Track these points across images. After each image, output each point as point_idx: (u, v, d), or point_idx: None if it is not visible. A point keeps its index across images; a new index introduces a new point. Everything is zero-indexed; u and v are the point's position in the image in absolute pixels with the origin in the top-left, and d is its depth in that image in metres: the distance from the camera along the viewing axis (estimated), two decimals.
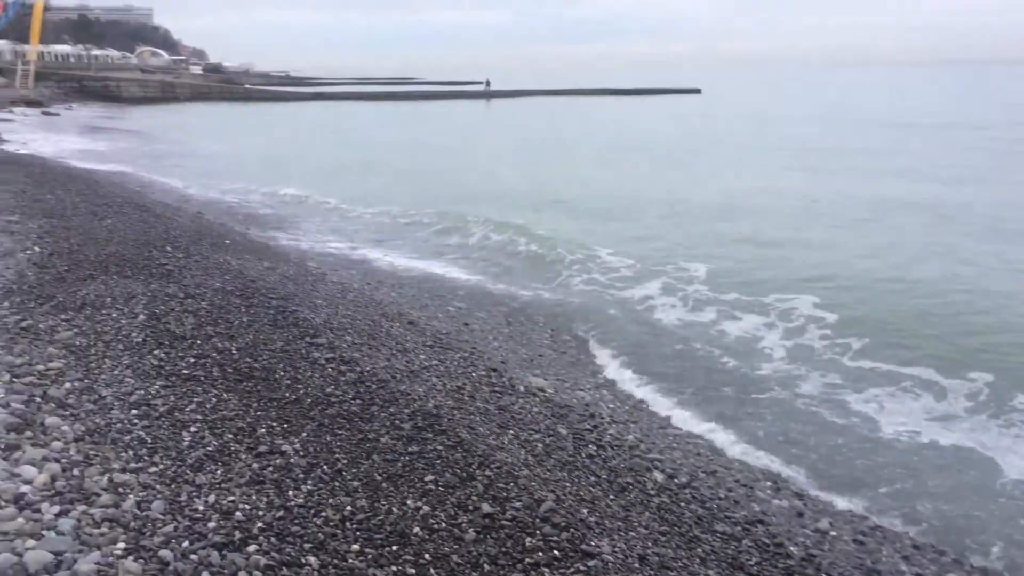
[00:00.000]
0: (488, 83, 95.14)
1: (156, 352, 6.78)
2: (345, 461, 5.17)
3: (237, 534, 4.22)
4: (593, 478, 5.92)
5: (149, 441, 5.20)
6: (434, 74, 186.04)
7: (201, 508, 4.45)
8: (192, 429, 5.44)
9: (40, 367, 6.16)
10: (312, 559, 4.11)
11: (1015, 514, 6.53)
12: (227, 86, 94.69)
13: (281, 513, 4.48)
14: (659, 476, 6.31)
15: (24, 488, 4.36)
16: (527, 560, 4.37)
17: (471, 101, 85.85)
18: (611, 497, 5.66)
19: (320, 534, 4.32)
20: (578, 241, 15.63)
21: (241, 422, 5.61)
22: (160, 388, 6.06)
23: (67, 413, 5.47)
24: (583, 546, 4.60)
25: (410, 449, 5.44)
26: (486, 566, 4.28)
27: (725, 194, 21.52)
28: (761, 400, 8.61)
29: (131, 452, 5.03)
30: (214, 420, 5.61)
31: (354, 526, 4.43)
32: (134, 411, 5.62)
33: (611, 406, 8.19)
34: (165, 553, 3.97)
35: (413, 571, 4.15)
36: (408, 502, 4.74)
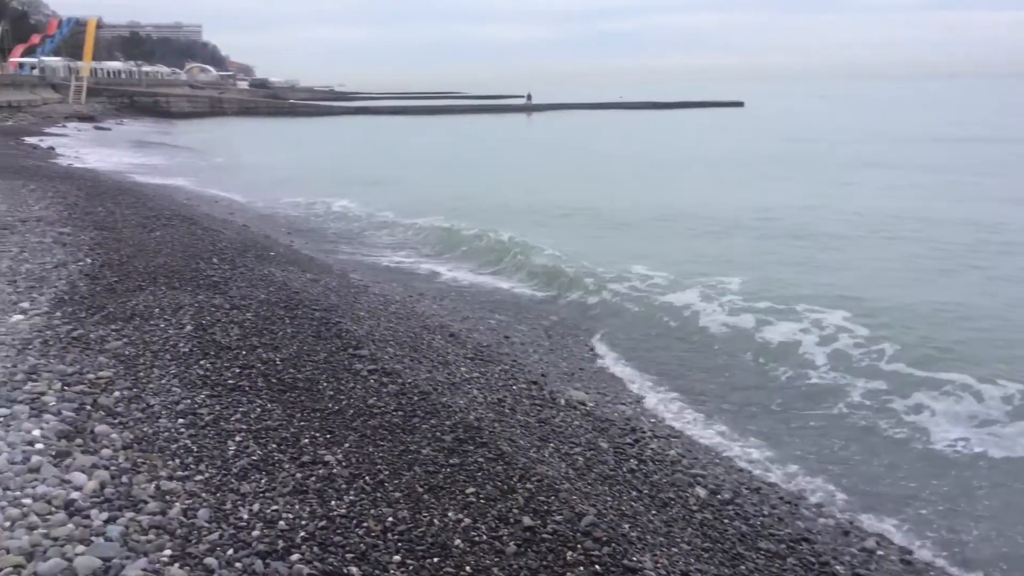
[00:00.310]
0: (529, 97, 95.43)
1: (202, 362, 6.89)
2: (387, 472, 5.19)
3: (280, 543, 4.26)
4: (634, 493, 5.87)
5: (195, 450, 5.28)
6: (475, 88, 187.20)
7: (245, 516, 4.50)
8: (237, 438, 5.51)
9: (91, 376, 6.30)
10: (354, 569, 4.13)
11: None
12: (273, 101, 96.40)
13: (324, 523, 4.51)
14: (701, 492, 6.23)
15: (74, 494, 4.46)
16: (568, 574, 4.34)
17: (513, 115, 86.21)
18: (653, 512, 5.61)
19: (362, 544, 4.34)
20: (619, 254, 15.56)
21: (285, 432, 5.68)
22: (206, 397, 6.15)
23: (116, 421, 5.58)
24: (625, 561, 4.56)
25: (451, 461, 5.45)
26: None
27: (770, 208, 21.28)
28: (805, 414, 8.48)
29: (178, 460, 5.11)
30: (258, 430, 5.68)
31: (396, 537, 4.45)
32: (181, 420, 5.72)
33: (652, 420, 8.13)
34: (210, 561, 4.03)
35: None
36: (449, 514, 4.74)
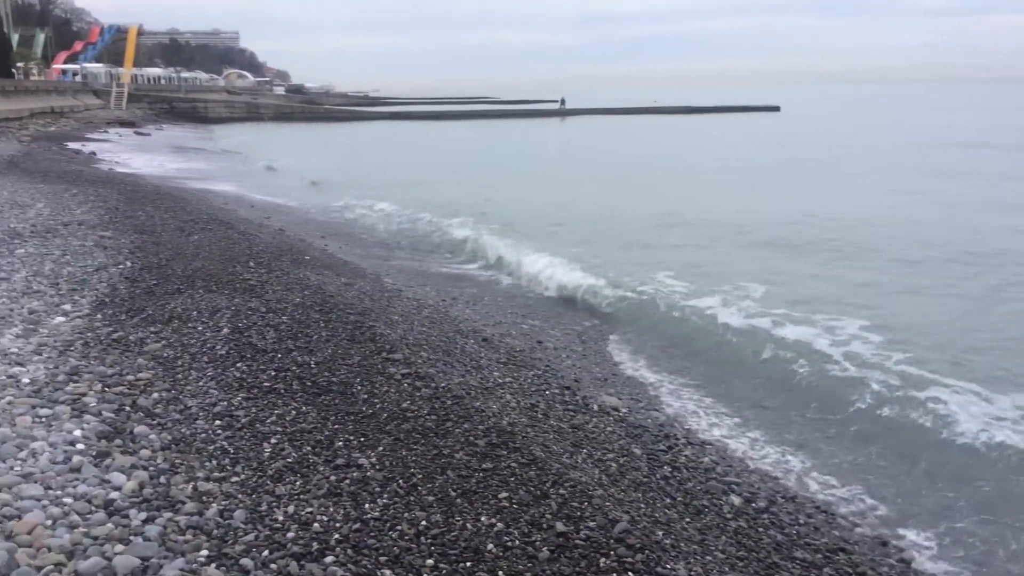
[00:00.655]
0: (563, 102, 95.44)
1: (239, 365, 6.97)
2: (420, 476, 5.21)
3: (315, 545, 4.30)
4: (668, 500, 5.83)
5: (231, 451, 5.35)
6: (509, 93, 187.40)
7: (281, 518, 4.55)
8: (272, 440, 5.57)
9: (130, 377, 6.41)
10: (387, 572, 4.15)
11: None
12: (309, 106, 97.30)
13: (358, 525, 4.54)
14: (736, 500, 6.18)
15: (114, 494, 4.53)
16: None
17: (546, 120, 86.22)
18: (687, 520, 5.57)
19: (395, 548, 4.36)
20: (652, 262, 15.50)
21: (319, 435, 5.72)
22: (242, 400, 6.22)
23: (155, 422, 5.67)
24: (658, 568, 4.53)
25: (484, 466, 5.45)
26: None
27: (813, 216, 21.03)
28: (841, 422, 8.36)
29: (214, 462, 5.17)
30: (293, 432, 5.73)
31: (429, 541, 4.46)
32: (217, 422, 5.79)
33: (686, 427, 8.07)
34: (246, 562, 4.07)
35: None
36: (482, 518, 4.75)
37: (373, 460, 5.38)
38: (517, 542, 4.54)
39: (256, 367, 6.96)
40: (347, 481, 5.07)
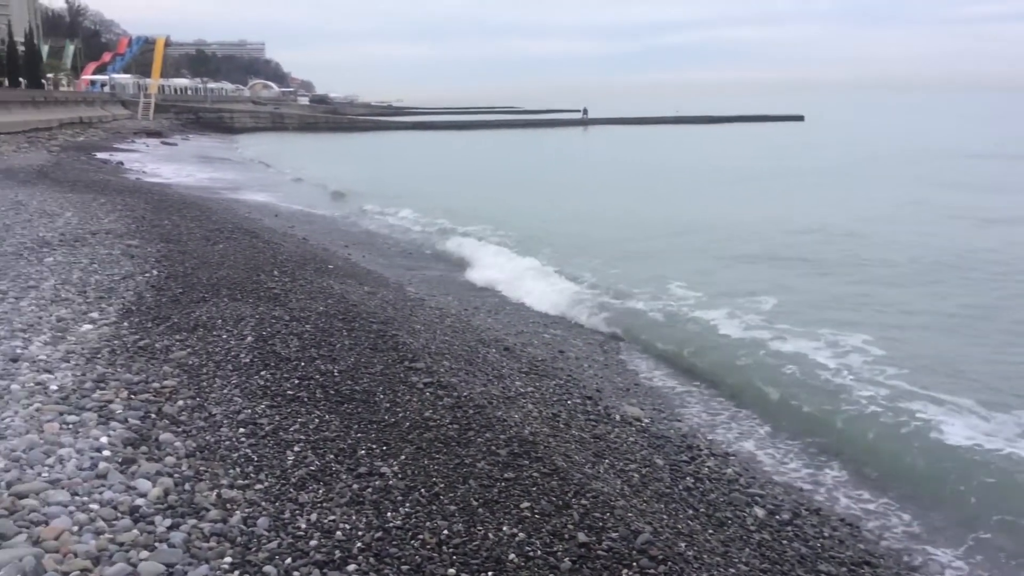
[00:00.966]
0: (585, 111, 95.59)
1: (263, 373, 7.02)
2: (442, 485, 5.22)
3: (337, 553, 4.31)
4: (691, 511, 5.80)
5: (255, 459, 5.38)
6: (531, 103, 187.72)
7: (303, 526, 4.57)
8: (296, 448, 5.60)
9: (156, 385, 6.47)
10: None
11: None
12: (333, 116, 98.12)
13: (380, 534, 4.55)
14: (760, 512, 6.13)
15: (139, 501, 4.58)
16: None
17: (568, 129, 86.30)
18: (710, 532, 5.53)
19: (417, 557, 4.36)
20: (675, 272, 15.46)
21: (342, 443, 5.75)
22: (266, 408, 6.26)
23: (180, 430, 5.72)
24: None
25: (506, 475, 5.45)
26: None
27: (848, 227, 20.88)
28: (866, 435, 8.26)
29: (238, 469, 5.21)
30: (316, 440, 5.76)
31: (450, 550, 4.46)
32: (241, 429, 5.83)
33: (709, 438, 8.02)
34: (269, 569, 4.09)
35: None
36: (504, 528, 4.74)
37: (395, 469, 5.40)
38: (539, 552, 4.52)
39: (280, 375, 7.00)
40: (369, 489, 5.08)
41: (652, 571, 4.50)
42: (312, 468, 5.33)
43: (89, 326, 7.98)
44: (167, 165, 35.49)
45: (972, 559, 6.14)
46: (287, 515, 4.68)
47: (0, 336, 7.32)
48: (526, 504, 5.06)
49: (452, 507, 4.94)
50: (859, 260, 16.73)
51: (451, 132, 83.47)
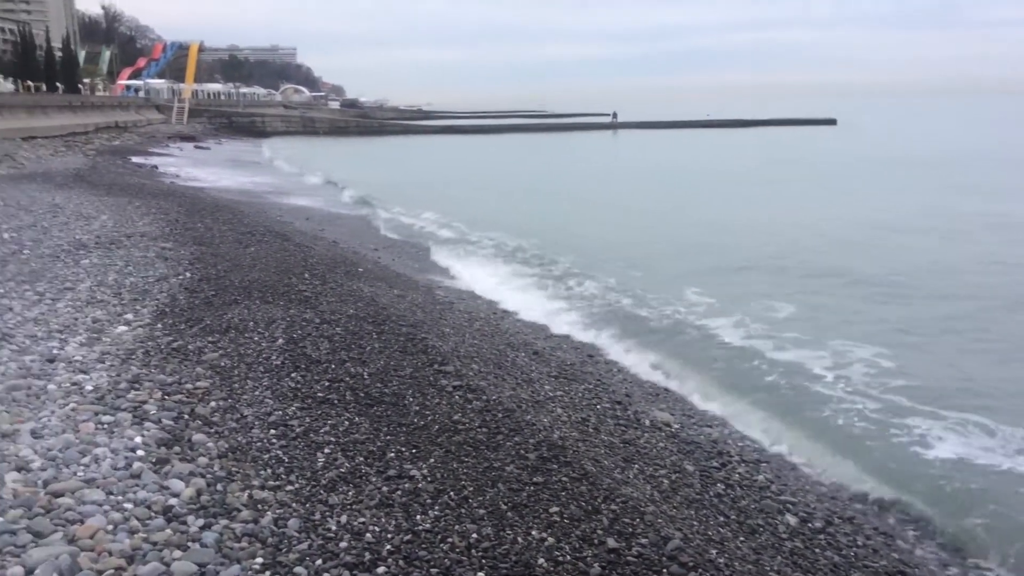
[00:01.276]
0: (615, 115, 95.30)
1: (293, 375, 7.07)
2: (471, 488, 5.22)
3: (367, 555, 4.32)
4: (722, 518, 5.75)
5: (286, 460, 5.42)
6: (561, 106, 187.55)
7: (333, 528, 4.59)
8: (326, 450, 5.63)
9: (189, 386, 6.54)
10: None
11: None
12: (362, 120, 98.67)
13: (409, 537, 4.56)
14: (792, 519, 6.06)
15: (172, 500, 4.62)
16: None
17: (598, 133, 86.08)
18: (741, 539, 5.48)
19: (446, 560, 4.36)
20: (704, 280, 15.36)
21: (372, 446, 5.77)
22: (297, 410, 6.30)
23: (212, 430, 5.77)
24: None
25: (535, 479, 5.43)
26: None
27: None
28: (900, 443, 8.14)
29: (269, 470, 5.24)
30: (346, 443, 5.79)
31: (479, 554, 4.46)
32: (272, 431, 5.88)
33: (740, 444, 7.94)
34: (300, 570, 4.12)
35: None
36: (533, 533, 4.73)
37: (424, 472, 5.41)
38: (568, 557, 4.51)
39: (310, 377, 7.05)
40: (399, 492, 5.09)
41: None
42: (342, 470, 5.35)
43: (124, 327, 8.08)
44: (200, 169, 35.89)
45: (1006, 567, 6.02)
46: (317, 516, 4.70)
47: (38, 337, 7.44)
48: (555, 509, 5.04)
49: (481, 511, 4.94)
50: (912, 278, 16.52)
51: (480, 136, 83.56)
